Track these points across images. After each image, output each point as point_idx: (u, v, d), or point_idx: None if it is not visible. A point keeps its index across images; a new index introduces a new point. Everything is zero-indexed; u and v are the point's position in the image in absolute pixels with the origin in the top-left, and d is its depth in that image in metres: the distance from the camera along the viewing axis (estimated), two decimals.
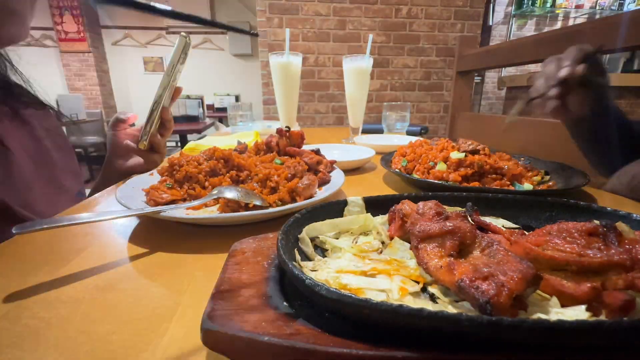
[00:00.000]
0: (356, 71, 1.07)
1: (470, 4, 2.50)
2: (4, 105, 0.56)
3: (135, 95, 5.95)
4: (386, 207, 0.35)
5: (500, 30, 3.69)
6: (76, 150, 4.06)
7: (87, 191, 0.73)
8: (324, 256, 0.31)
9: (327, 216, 0.34)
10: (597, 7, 3.53)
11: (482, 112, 3.64)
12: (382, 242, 0.32)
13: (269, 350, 0.18)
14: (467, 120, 1.48)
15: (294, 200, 0.47)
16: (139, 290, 0.29)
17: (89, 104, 5.01)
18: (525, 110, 0.71)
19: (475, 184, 0.56)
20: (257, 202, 0.43)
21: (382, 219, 0.35)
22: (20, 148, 0.55)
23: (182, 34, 0.62)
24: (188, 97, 4.55)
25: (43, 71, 5.14)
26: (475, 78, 2.66)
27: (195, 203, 0.43)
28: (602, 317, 0.19)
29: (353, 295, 0.19)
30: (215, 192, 0.43)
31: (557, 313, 0.20)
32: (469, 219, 0.28)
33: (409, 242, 0.29)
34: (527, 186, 0.56)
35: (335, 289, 0.20)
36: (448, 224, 0.26)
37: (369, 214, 0.35)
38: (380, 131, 1.46)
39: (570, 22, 3.68)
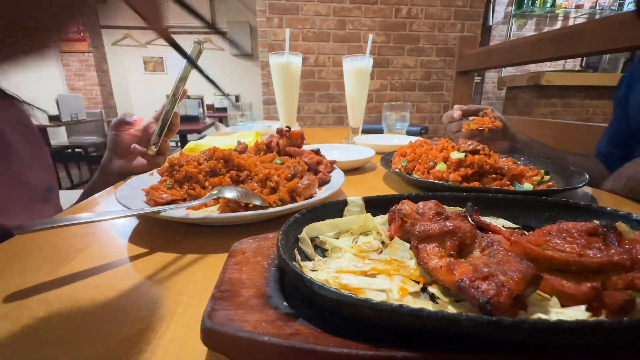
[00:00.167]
0: (356, 71, 1.07)
1: (470, 4, 2.50)
2: None
3: (135, 95, 5.95)
4: (386, 207, 0.35)
5: (500, 30, 3.69)
6: (76, 150, 4.05)
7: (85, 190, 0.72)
8: (324, 256, 0.31)
9: (327, 216, 0.34)
10: (597, 7, 3.53)
11: None
12: (382, 242, 0.32)
13: (269, 350, 0.18)
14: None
15: (294, 200, 0.47)
16: (139, 290, 0.29)
17: (89, 104, 5.01)
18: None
19: (475, 184, 0.56)
20: (257, 202, 0.43)
21: (382, 219, 0.35)
22: None
23: (196, 40, 0.62)
24: (188, 97, 4.55)
25: (43, 71, 5.14)
26: (475, 78, 2.67)
27: (195, 203, 0.43)
28: (602, 317, 0.19)
29: (353, 295, 0.19)
30: (215, 192, 0.43)
31: (557, 313, 0.20)
32: (469, 219, 0.28)
33: (409, 242, 0.29)
34: (527, 186, 0.56)
35: (335, 289, 0.20)
36: (448, 224, 0.26)
37: (369, 214, 0.35)
38: (380, 131, 1.46)
39: (570, 22, 3.68)
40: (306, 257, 0.30)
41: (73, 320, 0.25)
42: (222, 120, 5.06)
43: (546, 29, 3.62)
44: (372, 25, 2.47)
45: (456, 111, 0.83)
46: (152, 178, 0.56)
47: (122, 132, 0.69)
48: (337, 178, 0.56)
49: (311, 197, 0.48)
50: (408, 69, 2.61)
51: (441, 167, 0.59)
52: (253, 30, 5.25)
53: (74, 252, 0.36)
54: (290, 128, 0.65)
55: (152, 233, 0.41)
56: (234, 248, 0.30)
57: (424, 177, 0.60)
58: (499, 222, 0.35)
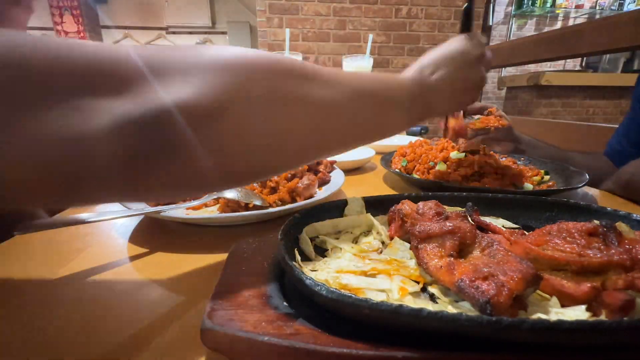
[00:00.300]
0: (356, 71, 1.07)
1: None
2: None
3: None
4: (386, 207, 0.35)
5: (500, 30, 3.68)
6: None
7: None
8: (324, 256, 0.31)
9: (327, 216, 0.34)
10: (597, 7, 3.52)
11: None
12: (382, 242, 0.32)
13: (268, 350, 0.18)
14: None
15: (294, 200, 0.47)
16: (139, 290, 0.29)
17: None
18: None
19: (475, 184, 0.56)
20: (257, 202, 0.43)
21: (382, 219, 0.35)
22: None
23: (199, 42, 0.61)
24: None
25: None
26: None
27: (195, 203, 0.43)
28: (602, 317, 0.19)
29: (353, 295, 0.19)
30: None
31: (557, 313, 0.20)
32: (469, 219, 0.28)
33: (409, 242, 0.29)
34: (527, 186, 0.56)
35: (335, 289, 0.20)
36: (448, 224, 0.26)
37: (369, 214, 0.35)
38: None
39: (570, 22, 3.68)
40: (306, 257, 0.30)
41: (73, 320, 0.25)
42: None
43: (546, 29, 3.62)
44: (372, 25, 2.47)
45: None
46: None
47: None
48: (337, 178, 0.56)
49: (311, 197, 0.48)
50: None
51: (441, 167, 0.59)
52: (253, 30, 5.25)
53: (74, 252, 0.36)
54: None
55: (152, 233, 0.41)
56: (234, 248, 0.30)
57: (424, 177, 0.60)
58: (499, 222, 0.35)
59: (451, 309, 0.22)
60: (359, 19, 2.45)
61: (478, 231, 0.26)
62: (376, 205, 0.37)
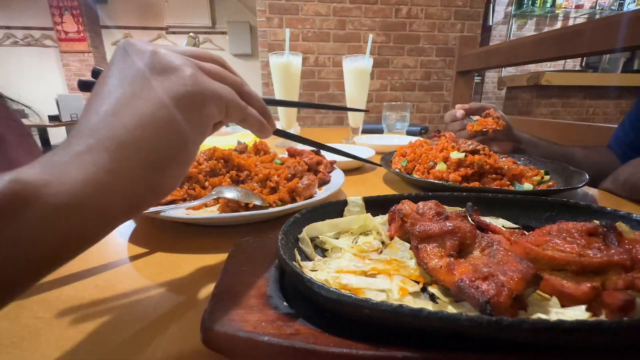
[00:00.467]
0: (356, 71, 1.07)
1: (470, 4, 2.50)
2: None
3: None
4: (386, 207, 0.35)
5: (500, 30, 3.69)
6: None
7: None
8: (324, 256, 0.31)
9: (327, 216, 0.34)
10: (597, 7, 3.53)
11: None
12: (382, 242, 0.32)
13: (269, 350, 0.18)
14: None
15: (294, 200, 0.47)
16: (139, 290, 0.29)
17: None
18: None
19: (475, 184, 0.56)
20: (257, 202, 0.43)
21: (382, 219, 0.35)
22: None
23: (191, 34, 0.59)
24: None
25: (43, 71, 5.14)
26: (475, 78, 2.67)
27: (195, 203, 0.43)
28: (602, 317, 0.19)
29: (353, 295, 0.19)
30: (215, 192, 0.43)
31: (557, 313, 0.20)
32: (469, 219, 0.28)
33: (409, 242, 0.29)
34: (527, 186, 0.56)
35: (335, 289, 0.20)
36: (448, 224, 0.26)
37: (369, 214, 0.35)
38: (380, 131, 1.46)
39: (570, 22, 3.68)
40: (306, 257, 0.30)
41: (73, 320, 0.25)
42: None
43: (546, 29, 3.62)
44: (372, 25, 2.47)
45: (459, 110, 0.81)
46: None
47: None
48: (337, 178, 0.56)
49: (311, 197, 0.48)
50: (408, 69, 2.61)
51: (441, 167, 0.59)
52: (253, 30, 5.25)
53: None
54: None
55: (152, 233, 0.41)
56: (234, 248, 0.30)
57: (424, 177, 0.60)
58: (499, 222, 0.35)
59: (451, 309, 0.22)
60: (359, 19, 2.45)
61: (478, 231, 0.26)
62: (376, 205, 0.37)
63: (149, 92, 0.23)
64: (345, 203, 0.37)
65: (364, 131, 1.28)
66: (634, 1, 3.46)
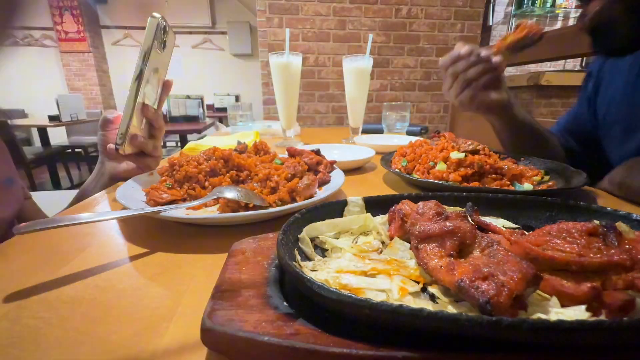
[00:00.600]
0: (356, 71, 1.07)
1: (470, 4, 2.50)
2: None
3: None
4: (386, 207, 0.35)
5: (500, 30, 3.68)
6: (76, 150, 4.05)
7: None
8: (324, 256, 0.31)
9: (327, 216, 0.34)
10: None
11: None
12: (382, 242, 0.32)
13: (269, 350, 0.18)
14: (467, 120, 1.48)
15: (294, 200, 0.47)
16: (139, 290, 0.29)
17: (89, 104, 5.01)
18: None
19: (475, 184, 0.56)
20: (257, 202, 0.43)
21: (382, 219, 0.35)
22: None
23: (154, 14, 0.51)
24: (188, 97, 4.55)
25: (43, 71, 5.14)
26: None
27: (195, 203, 0.43)
28: (602, 317, 0.19)
29: (353, 295, 0.19)
30: (215, 192, 0.43)
31: (557, 313, 0.20)
32: (469, 219, 0.28)
33: (409, 242, 0.29)
34: (527, 186, 0.56)
35: (335, 289, 0.20)
36: (448, 224, 0.26)
37: (369, 214, 0.35)
38: (380, 131, 1.46)
39: (570, 22, 3.68)
40: (306, 257, 0.30)
41: (73, 320, 0.25)
42: (222, 120, 5.05)
43: (546, 29, 3.62)
44: (372, 25, 2.47)
45: (463, 47, 0.68)
46: (152, 178, 0.56)
47: (108, 132, 0.62)
48: (337, 178, 0.56)
49: (311, 197, 0.48)
50: (408, 69, 2.61)
51: (441, 167, 0.59)
52: (253, 30, 5.25)
53: (74, 252, 0.36)
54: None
55: (152, 233, 0.41)
56: (234, 248, 0.30)
57: (424, 177, 0.60)
58: (499, 222, 0.35)
59: (451, 309, 0.22)
60: (359, 19, 2.45)
61: (478, 231, 0.26)
62: (376, 205, 0.37)
63: None
64: (345, 203, 0.37)
65: (364, 131, 1.28)
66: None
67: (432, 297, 0.23)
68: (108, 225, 0.44)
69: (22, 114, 4.83)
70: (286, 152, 0.65)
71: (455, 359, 0.17)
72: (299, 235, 0.31)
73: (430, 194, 0.38)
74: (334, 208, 0.36)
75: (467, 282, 0.20)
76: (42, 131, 3.54)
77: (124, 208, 0.43)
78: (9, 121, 3.55)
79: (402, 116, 1.40)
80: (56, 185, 3.42)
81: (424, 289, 0.24)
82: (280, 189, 0.47)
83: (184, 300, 0.28)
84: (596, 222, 0.24)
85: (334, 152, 0.84)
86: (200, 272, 0.32)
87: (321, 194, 0.50)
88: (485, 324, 0.16)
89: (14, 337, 0.24)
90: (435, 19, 2.51)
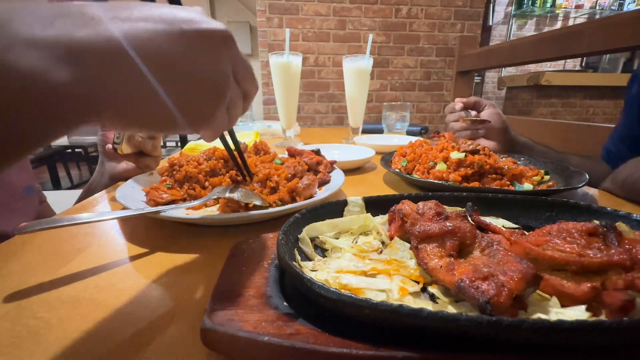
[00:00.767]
0: (356, 71, 1.07)
1: (470, 4, 2.50)
2: None
3: None
4: (386, 207, 0.35)
5: (500, 30, 3.68)
6: (76, 150, 4.05)
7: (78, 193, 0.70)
8: (324, 256, 0.31)
9: (327, 216, 0.34)
10: (597, 7, 3.52)
11: None
12: (382, 242, 0.32)
13: (269, 350, 0.18)
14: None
15: (294, 200, 0.47)
16: (139, 290, 0.29)
17: None
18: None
19: (475, 184, 0.56)
20: (257, 202, 0.43)
21: (382, 219, 0.35)
22: None
23: None
24: None
25: None
26: (475, 78, 2.66)
27: (195, 203, 0.43)
28: (602, 317, 0.19)
29: (353, 295, 0.19)
30: (215, 192, 0.43)
31: (557, 313, 0.20)
32: (469, 219, 0.28)
33: (409, 242, 0.29)
34: (527, 186, 0.56)
35: (335, 289, 0.20)
36: (448, 224, 0.26)
37: (369, 214, 0.35)
38: (380, 131, 1.46)
39: (570, 22, 3.68)
40: (306, 257, 0.30)
41: (73, 320, 0.25)
42: None
43: (546, 29, 3.62)
44: (372, 25, 2.47)
45: (457, 103, 0.87)
46: (152, 178, 0.56)
47: (107, 131, 0.62)
48: (337, 178, 0.56)
49: (311, 197, 0.48)
50: (408, 69, 2.61)
51: (441, 167, 0.59)
52: (253, 30, 5.25)
53: (74, 252, 0.36)
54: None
55: (152, 233, 0.41)
56: (234, 248, 0.30)
57: (424, 177, 0.60)
58: (499, 222, 0.35)
59: (451, 309, 0.22)
60: (359, 19, 2.45)
61: (478, 231, 0.26)
62: (376, 205, 0.37)
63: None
64: (345, 203, 0.37)
65: (364, 131, 1.28)
66: (634, 1, 3.46)
67: (432, 297, 0.23)
68: (108, 225, 0.44)
69: None
70: (286, 152, 0.65)
71: (455, 359, 0.17)
72: (299, 235, 0.31)
73: (430, 194, 0.38)
74: (334, 208, 0.36)
75: (467, 282, 0.20)
76: None
77: (124, 208, 0.43)
78: None
79: (402, 116, 1.40)
80: (56, 185, 3.42)
81: (424, 289, 0.24)
82: (280, 189, 0.47)
83: (184, 300, 0.28)
84: (596, 222, 0.24)
85: (334, 152, 0.84)
86: (200, 272, 0.32)
87: (321, 194, 0.50)
88: (485, 324, 0.16)
89: (14, 337, 0.24)
90: (435, 19, 2.51)
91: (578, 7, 3.53)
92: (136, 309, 0.27)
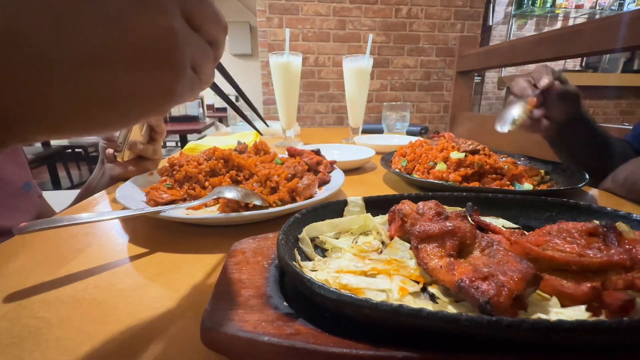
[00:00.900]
0: (356, 71, 1.07)
1: (470, 4, 2.50)
2: None
3: None
4: (386, 207, 0.35)
5: (500, 30, 3.68)
6: (76, 150, 4.05)
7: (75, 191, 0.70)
8: (324, 256, 0.31)
9: (327, 216, 0.34)
10: (597, 7, 3.52)
11: (482, 112, 3.65)
12: (382, 242, 0.32)
13: (269, 350, 0.18)
14: (467, 120, 1.48)
15: (294, 200, 0.47)
16: (139, 290, 0.29)
17: None
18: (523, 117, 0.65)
19: (475, 184, 0.56)
20: (257, 202, 0.43)
21: (382, 219, 0.35)
22: None
23: None
24: None
25: None
26: (475, 78, 2.67)
27: (195, 203, 0.43)
28: (602, 317, 0.19)
29: (353, 295, 0.19)
30: (215, 192, 0.43)
31: (557, 313, 0.20)
32: (469, 219, 0.28)
33: (409, 242, 0.29)
34: (527, 186, 0.56)
35: (335, 288, 0.20)
36: (448, 224, 0.26)
37: (369, 214, 0.35)
38: (380, 131, 1.46)
39: (570, 22, 3.68)
40: (306, 257, 0.30)
41: (73, 320, 0.25)
42: (222, 120, 5.05)
43: (546, 29, 3.62)
44: (372, 25, 2.47)
45: (544, 80, 0.65)
46: (152, 178, 0.56)
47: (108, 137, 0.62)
48: (337, 178, 0.56)
49: (311, 197, 0.48)
50: (408, 69, 2.61)
51: (441, 167, 0.59)
52: (253, 30, 5.25)
53: (74, 252, 0.36)
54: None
55: (152, 233, 0.41)
56: (234, 248, 0.30)
57: (424, 177, 0.60)
58: (499, 222, 0.35)
59: (451, 309, 0.22)
60: (359, 19, 2.45)
61: (478, 231, 0.26)
62: (376, 205, 0.37)
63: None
64: (345, 203, 0.37)
65: (364, 131, 1.28)
66: (634, 1, 3.46)
67: (432, 297, 0.23)
68: (108, 225, 0.44)
69: None
70: (286, 152, 0.65)
71: (455, 359, 0.17)
72: (299, 235, 0.31)
73: (430, 194, 0.38)
74: (334, 208, 0.36)
75: (467, 282, 0.20)
76: None
77: (124, 208, 0.43)
78: None
79: (402, 116, 1.40)
80: (56, 185, 3.42)
81: (424, 289, 0.24)
82: (280, 189, 0.47)
83: (184, 300, 0.28)
84: (596, 222, 0.24)
85: (334, 152, 0.84)
86: (200, 272, 0.32)
87: (321, 194, 0.50)
88: (485, 324, 0.16)
89: (14, 337, 0.24)
90: (435, 19, 2.51)
91: (578, 7, 3.52)
92: (136, 309, 0.27)
